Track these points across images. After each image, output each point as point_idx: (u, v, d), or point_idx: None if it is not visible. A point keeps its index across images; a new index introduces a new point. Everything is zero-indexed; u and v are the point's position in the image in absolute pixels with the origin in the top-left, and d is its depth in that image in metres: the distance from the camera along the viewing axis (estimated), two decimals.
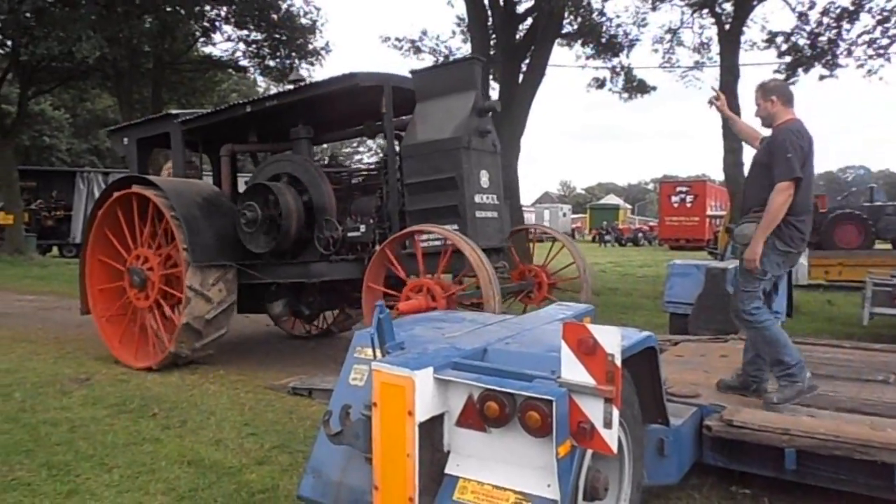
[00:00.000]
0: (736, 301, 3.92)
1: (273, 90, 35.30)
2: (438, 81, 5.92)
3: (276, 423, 4.76)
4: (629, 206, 60.12)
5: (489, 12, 14.99)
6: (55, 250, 25.01)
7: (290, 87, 6.89)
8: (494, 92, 15.20)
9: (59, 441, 4.36)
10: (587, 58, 17.51)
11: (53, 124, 33.92)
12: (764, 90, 3.94)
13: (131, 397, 5.47)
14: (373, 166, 7.52)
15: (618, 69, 17.67)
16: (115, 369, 6.56)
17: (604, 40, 16.53)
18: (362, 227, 6.22)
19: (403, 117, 6.35)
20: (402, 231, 5.62)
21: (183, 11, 19.78)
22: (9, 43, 20.16)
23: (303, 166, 6.67)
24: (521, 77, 14.97)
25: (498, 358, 2.44)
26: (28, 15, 16.43)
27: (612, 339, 1.99)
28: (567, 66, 53.89)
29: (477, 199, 5.73)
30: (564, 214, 48.78)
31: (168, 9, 19.32)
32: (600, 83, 18.26)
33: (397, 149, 6.14)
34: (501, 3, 15.20)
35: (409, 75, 6.21)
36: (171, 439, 4.40)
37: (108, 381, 6.11)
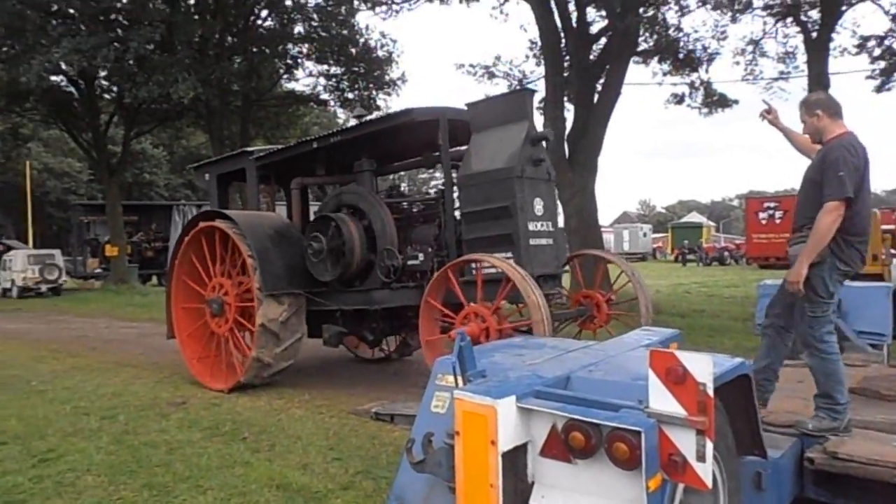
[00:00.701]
0: (804, 327, 3.67)
1: (352, 122, 36.22)
2: (492, 112, 6.04)
3: (359, 448, 4.83)
4: (713, 224, 57.83)
5: (562, 34, 14.96)
6: (154, 279, 26.63)
7: (353, 123, 7.27)
8: (569, 113, 15.11)
9: (158, 462, 4.60)
10: (664, 74, 17.16)
11: (153, 161, 36.39)
12: (808, 105, 3.73)
13: (223, 421, 5.71)
14: (432, 196, 7.70)
15: (697, 84, 17.21)
16: (209, 393, 6.87)
17: (681, 56, 16.15)
18: (421, 256, 6.44)
19: (461, 147, 6.51)
20: (459, 259, 5.79)
21: (268, 51, 20.89)
22: (114, 88, 21.89)
23: (365, 198, 6.98)
24: (596, 97, 14.81)
25: (582, 386, 2.39)
26: (131, 62, 17.79)
27: (703, 368, 1.91)
28: (643, 83, 52.78)
29: (531, 226, 5.83)
30: (645, 234, 47.41)
31: (255, 49, 20.47)
32: (679, 99, 17.82)
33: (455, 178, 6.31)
34: (574, 24, 15.16)
35: (465, 107, 6.35)
36: (260, 463, 4.55)
37: (203, 404, 6.41)
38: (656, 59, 16.70)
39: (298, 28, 22.12)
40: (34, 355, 9.75)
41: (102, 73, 19.80)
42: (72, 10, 16.85)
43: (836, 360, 3.59)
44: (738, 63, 16.00)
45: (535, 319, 5.05)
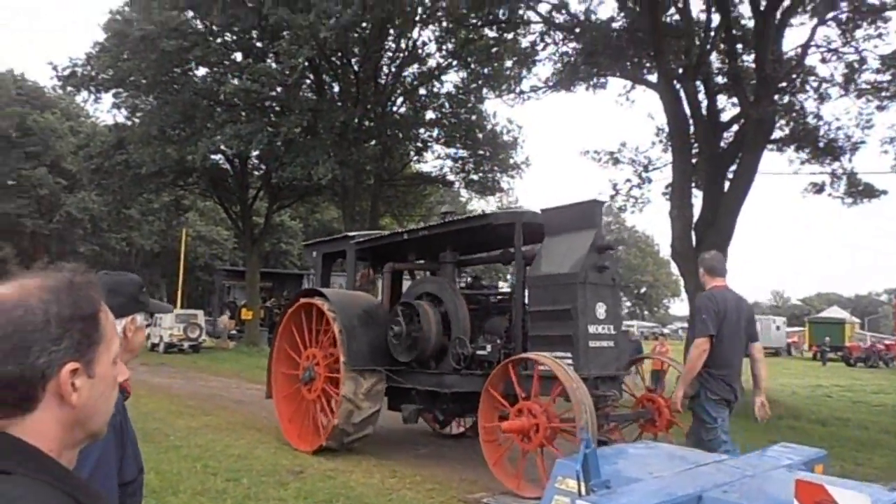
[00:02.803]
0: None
1: (475, 202, 37.20)
2: (564, 219, 6.54)
3: None
4: (857, 321, 52.56)
5: (691, 122, 14.79)
6: None
7: (439, 219, 7.93)
8: (697, 199, 14.69)
9: None
10: (802, 163, 16.32)
11: (289, 232, 39.18)
12: (697, 263, 4.84)
13: (337, 495, 5.84)
14: (505, 291, 8.22)
15: (839, 173, 16.18)
16: (326, 464, 7.08)
17: (821, 144, 15.35)
18: (489, 347, 6.85)
19: (536, 245, 6.94)
20: (517, 356, 6.20)
21: (401, 135, 22.29)
22: (263, 167, 24.15)
23: (444, 287, 7.61)
24: (726, 185, 14.35)
25: None
26: (280, 145, 19.65)
27: None
28: (779, 173, 50.06)
29: (592, 329, 6.07)
30: (778, 328, 43.88)
31: (389, 133, 21.94)
32: (818, 188, 16.77)
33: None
34: (704, 112, 14.96)
35: (540, 212, 6.96)
36: None
37: (319, 475, 6.60)
38: (793, 146, 15.99)
39: (430, 114, 23.52)
40: (173, 409, 10.54)
41: (254, 153, 21.97)
42: (236, 100, 19.02)
43: None
44: (886, 152, 14.93)
45: (578, 419, 5.24)
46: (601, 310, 6.17)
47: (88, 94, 24.33)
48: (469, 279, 8.89)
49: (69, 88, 25.35)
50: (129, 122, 24.27)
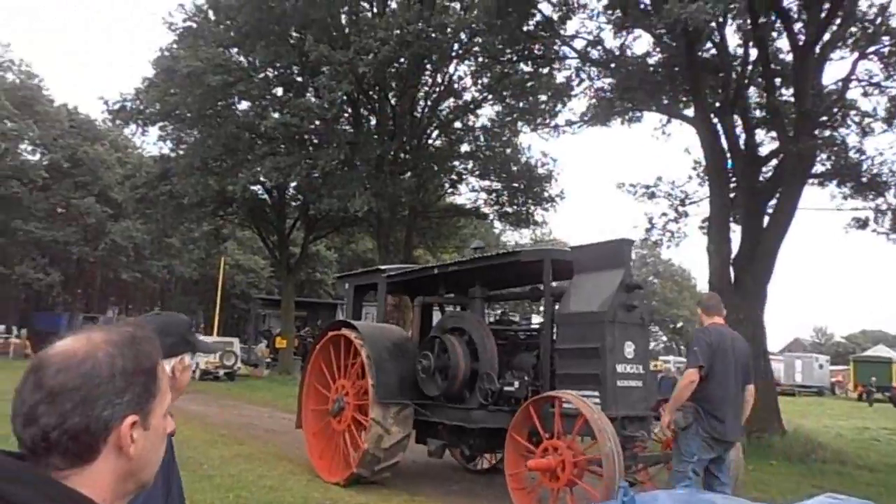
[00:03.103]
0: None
1: (509, 234, 37.20)
2: (593, 257, 6.58)
3: None
4: None
5: (728, 156, 14.63)
6: None
7: (470, 255, 8.08)
8: (735, 234, 14.45)
9: None
10: (844, 198, 15.96)
11: (324, 262, 39.68)
12: (697, 303, 5.38)
13: None
14: (534, 328, 8.13)
15: (883, 208, 15.75)
16: (357, 498, 7.06)
17: (864, 179, 15.01)
18: (517, 383, 6.80)
19: (564, 282, 7.08)
20: (539, 396, 6.18)
21: (436, 167, 22.55)
22: (300, 197, 24.65)
23: (472, 323, 7.62)
24: (766, 220, 14.10)
25: None
26: (317, 176, 20.07)
27: None
28: (821, 209, 48.64)
29: (619, 368, 6.01)
30: (821, 366, 42.38)
31: (424, 165, 22.23)
32: (861, 224, 16.34)
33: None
34: (742, 147, 14.79)
35: (569, 249, 7.17)
36: None
37: None
38: (835, 181, 15.66)
39: (465, 146, 23.77)
40: (207, 438, 10.66)
41: (293, 185, 22.45)
42: (276, 133, 19.57)
43: None
44: None
45: (603, 452, 5.17)
46: (629, 349, 6.15)
47: (136, 127, 25.31)
48: (499, 314, 8.96)
49: (118, 122, 26.42)
50: (174, 154, 25.08)
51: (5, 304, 39.37)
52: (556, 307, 6.78)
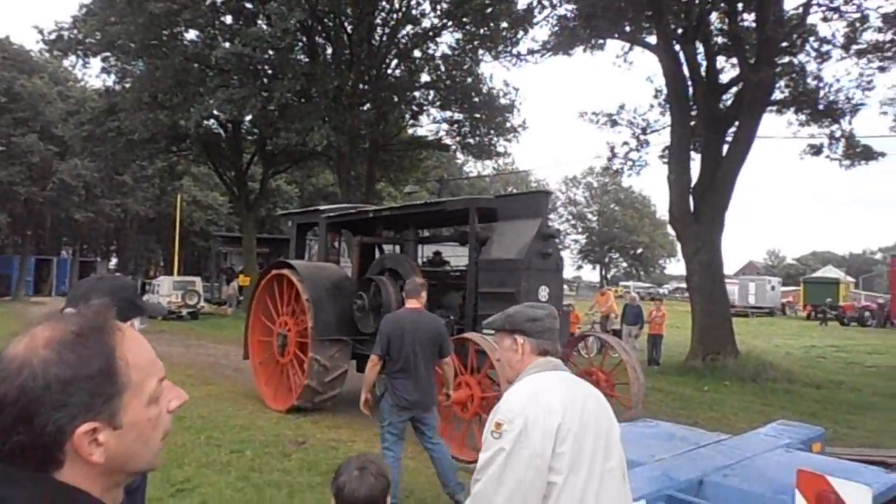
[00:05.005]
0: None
1: (472, 165, 36.93)
2: (514, 207, 7.15)
3: None
4: (852, 280, 52.90)
5: (689, 84, 14.60)
6: None
7: (403, 202, 8.54)
8: (695, 163, 14.61)
9: None
10: (801, 125, 16.19)
11: (285, 197, 38.91)
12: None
13: None
14: (460, 271, 8.62)
15: (837, 135, 16.06)
16: (328, 434, 7.17)
17: (821, 107, 15.20)
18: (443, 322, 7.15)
19: (493, 223, 7.51)
20: (457, 336, 6.62)
21: (396, 98, 21.95)
22: (256, 131, 23.85)
23: (403, 264, 8.06)
24: (724, 148, 14.25)
25: (717, 494, 2.30)
26: (273, 109, 19.35)
27: (861, 498, 1.79)
28: (777, 137, 49.65)
29: None
30: (773, 288, 44.10)
31: (383, 95, 21.60)
32: (816, 150, 16.66)
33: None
34: (703, 74, 14.75)
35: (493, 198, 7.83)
36: None
37: (322, 445, 6.69)
38: (792, 109, 15.83)
39: (425, 76, 23.12)
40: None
41: (248, 118, 21.65)
42: (228, 65, 18.63)
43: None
44: (885, 114, 14.81)
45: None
46: (544, 293, 6.65)
47: (76, 59, 23.88)
48: (430, 255, 9.32)
49: (56, 53, 24.86)
50: (120, 88, 23.83)
51: None
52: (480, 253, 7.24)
